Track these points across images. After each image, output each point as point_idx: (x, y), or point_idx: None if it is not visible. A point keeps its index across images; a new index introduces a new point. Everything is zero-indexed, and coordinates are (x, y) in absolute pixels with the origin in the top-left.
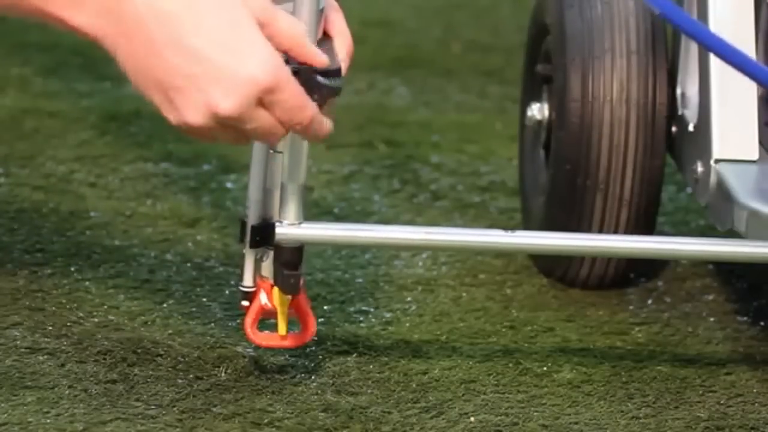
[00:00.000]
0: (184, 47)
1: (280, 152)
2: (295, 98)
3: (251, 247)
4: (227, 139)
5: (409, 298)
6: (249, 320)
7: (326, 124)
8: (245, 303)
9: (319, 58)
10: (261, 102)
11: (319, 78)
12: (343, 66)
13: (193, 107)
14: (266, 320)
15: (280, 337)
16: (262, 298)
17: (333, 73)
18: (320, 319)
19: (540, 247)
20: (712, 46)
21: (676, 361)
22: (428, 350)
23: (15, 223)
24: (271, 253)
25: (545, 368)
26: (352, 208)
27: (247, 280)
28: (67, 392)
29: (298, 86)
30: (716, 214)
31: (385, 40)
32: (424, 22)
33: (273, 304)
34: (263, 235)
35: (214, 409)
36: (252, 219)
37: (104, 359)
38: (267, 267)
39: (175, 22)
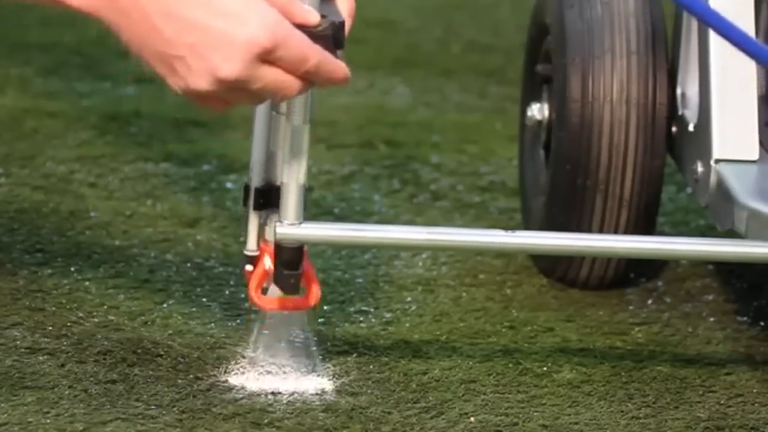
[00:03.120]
0: (180, 18)
1: (283, 114)
2: (298, 49)
3: (255, 209)
4: (241, 101)
5: (409, 298)
6: (253, 284)
7: (340, 68)
8: (249, 267)
9: (310, 16)
10: (264, 60)
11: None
12: (347, 23)
13: (196, 74)
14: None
15: (284, 300)
16: (266, 261)
17: (337, 27)
18: (320, 319)
19: (540, 247)
20: (711, 22)
21: (676, 361)
22: (428, 350)
23: (15, 223)
24: (275, 216)
25: (545, 368)
26: (352, 208)
27: (251, 244)
28: (67, 392)
29: (300, 36)
30: (716, 214)
31: (385, 40)
32: (424, 22)
33: None
34: (267, 197)
35: (214, 409)
36: (255, 181)
37: (104, 359)
38: (270, 230)
39: None
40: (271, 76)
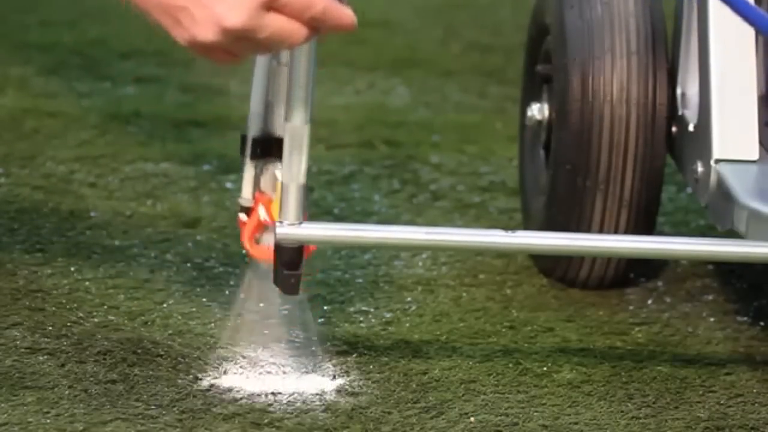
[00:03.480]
0: None
1: (283, 64)
2: None
3: (251, 159)
4: (247, 52)
5: (409, 298)
6: (247, 233)
7: (346, 13)
8: (243, 217)
9: None
10: (269, 8)
11: None
12: None
13: (201, 25)
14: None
15: None
16: (261, 212)
17: None
18: (320, 320)
19: (540, 247)
20: None
21: (676, 361)
22: (428, 350)
23: (15, 223)
24: (271, 167)
25: (545, 368)
26: (352, 208)
27: (246, 194)
28: (67, 392)
29: None
30: (716, 214)
31: (385, 40)
32: (424, 22)
33: (271, 218)
34: (264, 147)
35: (214, 409)
36: (253, 131)
37: (104, 359)
38: (266, 181)
39: None
40: (277, 23)
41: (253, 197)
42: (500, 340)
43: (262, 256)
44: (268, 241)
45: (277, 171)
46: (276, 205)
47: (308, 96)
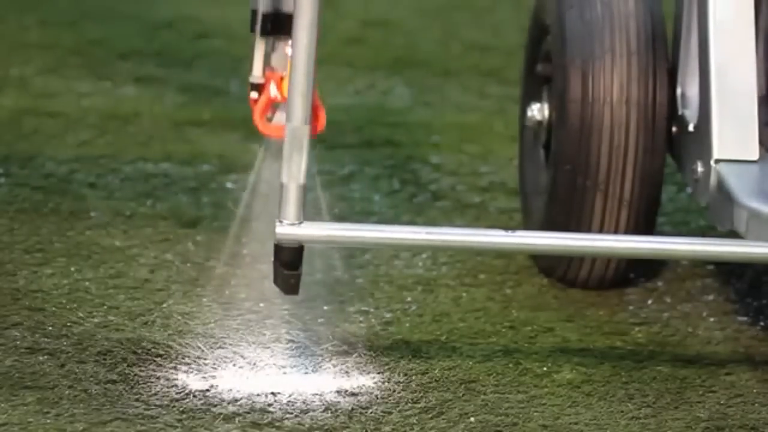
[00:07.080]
0: None
1: None
2: None
3: (261, 35)
4: None
5: (409, 298)
6: (258, 111)
7: None
8: (254, 95)
9: None
10: None
11: None
12: None
13: None
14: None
15: None
16: (272, 90)
17: None
18: (320, 320)
19: (540, 247)
20: None
21: (676, 361)
22: (428, 350)
23: (15, 223)
24: (282, 44)
25: (545, 368)
26: (352, 208)
27: (257, 71)
28: (67, 392)
29: None
30: (716, 214)
31: (385, 40)
32: (424, 22)
33: (282, 95)
34: (274, 23)
35: (214, 409)
36: (262, 6)
37: (104, 359)
38: (277, 58)
39: None
40: None
41: (264, 75)
42: (500, 340)
43: (273, 134)
44: (279, 119)
45: (288, 48)
46: (287, 82)
47: (308, 96)
